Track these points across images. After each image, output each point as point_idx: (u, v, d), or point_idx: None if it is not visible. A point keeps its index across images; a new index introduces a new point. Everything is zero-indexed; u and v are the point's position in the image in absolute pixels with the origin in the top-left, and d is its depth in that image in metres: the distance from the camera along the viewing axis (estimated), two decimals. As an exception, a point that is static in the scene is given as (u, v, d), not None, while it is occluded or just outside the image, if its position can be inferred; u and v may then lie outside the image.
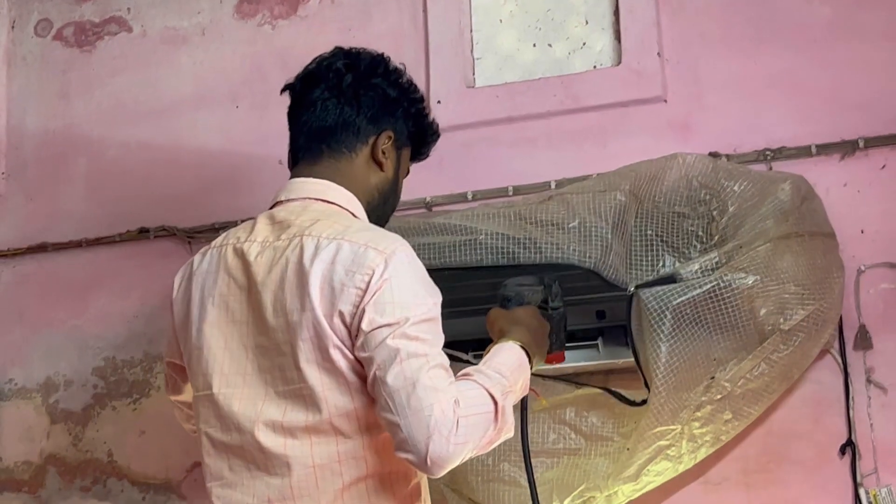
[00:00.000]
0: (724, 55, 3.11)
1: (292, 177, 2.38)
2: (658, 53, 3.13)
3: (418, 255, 2.25)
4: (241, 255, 2.28)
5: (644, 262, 2.73)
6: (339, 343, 2.15)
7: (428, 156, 2.56)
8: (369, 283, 2.13)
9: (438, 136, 2.54)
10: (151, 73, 3.49)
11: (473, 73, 3.28)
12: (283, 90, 2.45)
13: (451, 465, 2.07)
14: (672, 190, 2.79)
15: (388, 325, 2.12)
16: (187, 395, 2.45)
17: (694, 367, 2.63)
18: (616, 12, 3.21)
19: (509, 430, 2.19)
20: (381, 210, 2.41)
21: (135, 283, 3.33)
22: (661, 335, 2.61)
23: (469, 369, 2.21)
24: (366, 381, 2.14)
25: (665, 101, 3.12)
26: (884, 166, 2.96)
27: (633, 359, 2.66)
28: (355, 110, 2.37)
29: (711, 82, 3.11)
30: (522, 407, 2.42)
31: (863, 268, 2.92)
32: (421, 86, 3.17)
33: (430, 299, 2.18)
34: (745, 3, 3.13)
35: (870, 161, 2.97)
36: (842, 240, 2.89)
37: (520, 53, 3.27)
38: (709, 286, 2.62)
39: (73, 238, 3.41)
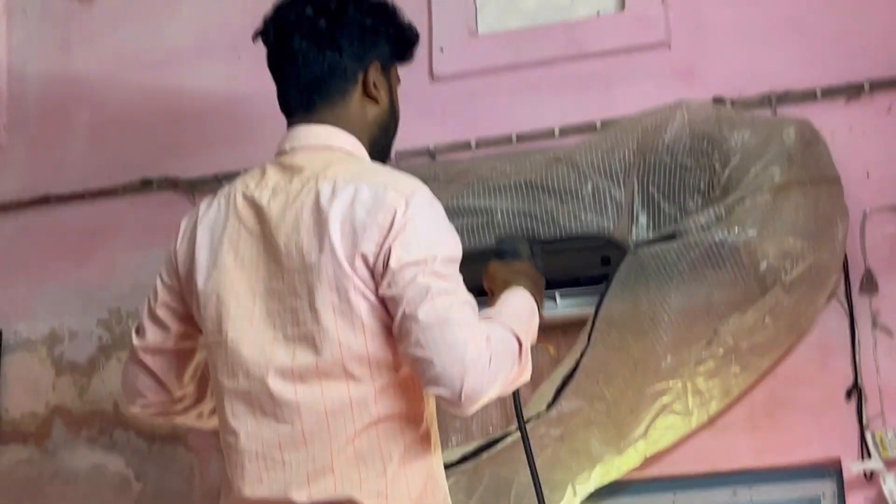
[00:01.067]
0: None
1: (291, 126, 2.35)
2: (661, -2, 3.12)
3: None
4: (251, 201, 2.27)
5: (645, 220, 2.74)
6: (361, 284, 2.14)
7: (412, 59, 2.50)
8: (393, 221, 2.13)
9: (418, 36, 2.49)
10: (153, 23, 3.47)
11: (476, 20, 3.26)
12: (254, 38, 2.41)
13: (483, 401, 2.09)
14: (675, 140, 2.79)
15: (416, 262, 2.12)
16: (152, 341, 2.41)
17: (693, 323, 2.65)
18: (619, -43, 3.20)
19: (528, 372, 2.21)
20: (385, 140, 2.40)
21: (138, 235, 3.32)
22: (658, 293, 2.62)
23: (488, 311, 2.23)
24: (383, 323, 2.14)
25: (669, 46, 3.12)
26: (890, 109, 2.95)
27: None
28: (338, 53, 2.33)
29: (715, 27, 3.10)
30: (515, 402, 2.44)
31: (868, 211, 2.91)
32: (423, 33, 3.15)
33: (451, 239, 2.19)
34: (749, -54, 3.12)
35: (875, 104, 2.96)
36: (847, 183, 2.88)
37: (522, 0, 3.26)
38: (708, 243, 2.63)
39: (75, 189, 3.40)
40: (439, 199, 2.23)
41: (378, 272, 2.13)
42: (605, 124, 3.02)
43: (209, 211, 2.33)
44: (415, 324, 2.09)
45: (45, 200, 3.43)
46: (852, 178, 2.90)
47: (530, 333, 2.25)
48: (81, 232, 3.39)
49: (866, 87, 2.95)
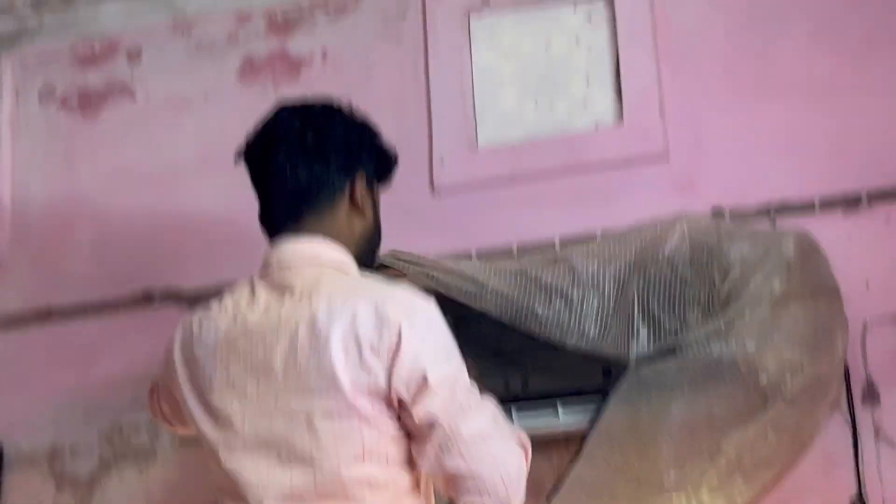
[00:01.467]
0: (726, 111, 3.13)
1: (277, 240, 2.37)
2: (659, 111, 3.15)
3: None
4: (242, 321, 2.27)
5: (646, 335, 2.74)
6: (366, 405, 2.15)
7: (390, 183, 2.55)
8: (400, 340, 2.14)
9: (397, 157, 2.54)
10: (155, 138, 3.50)
11: (476, 134, 3.29)
12: (237, 158, 2.45)
13: None
14: (675, 253, 2.80)
15: (445, 378, 2.16)
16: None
17: (695, 437, 2.65)
18: (617, 72, 3.23)
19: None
20: (370, 254, 2.44)
21: (139, 348, 3.32)
22: (659, 408, 2.63)
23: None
24: (384, 445, 2.17)
25: (667, 158, 3.14)
26: (888, 219, 2.97)
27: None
28: (325, 165, 2.36)
29: (713, 138, 3.12)
30: None
31: (869, 322, 2.91)
32: (424, 146, 3.25)
33: (456, 347, 2.24)
34: (745, 60, 3.15)
35: (874, 214, 2.98)
36: (847, 294, 2.88)
37: (522, 114, 3.29)
38: (708, 357, 2.64)
39: (77, 303, 3.41)
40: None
41: (391, 395, 2.14)
42: (605, 235, 3.03)
43: (202, 330, 2.34)
44: (459, 439, 2.13)
45: (47, 314, 3.43)
46: (852, 288, 2.90)
47: None
48: (83, 345, 3.39)
49: (864, 198, 2.97)
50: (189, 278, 3.34)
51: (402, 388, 2.14)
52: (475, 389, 2.22)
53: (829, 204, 3.00)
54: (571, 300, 2.78)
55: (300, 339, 2.19)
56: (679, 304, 2.75)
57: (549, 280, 2.80)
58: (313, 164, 2.35)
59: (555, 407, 2.86)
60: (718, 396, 2.64)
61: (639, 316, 2.75)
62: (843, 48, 3.10)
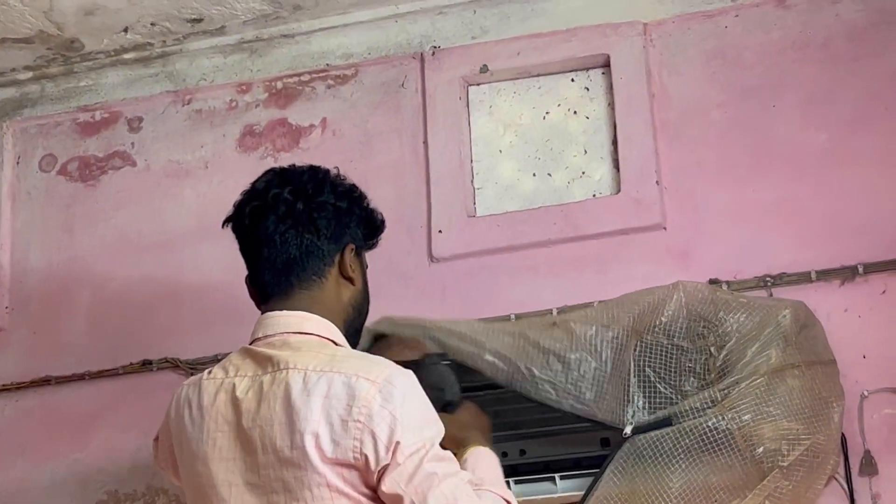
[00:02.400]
0: (722, 183, 3.15)
1: (265, 312, 2.38)
2: (656, 182, 3.17)
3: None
4: (228, 392, 2.29)
5: (641, 402, 2.74)
6: (337, 480, 2.15)
7: (377, 243, 2.56)
8: (371, 414, 2.14)
9: (384, 222, 2.55)
10: (155, 206, 3.51)
11: (474, 203, 3.31)
12: (224, 224, 2.45)
13: None
14: (672, 321, 2.81)
15: (416, 451, 2.14)
16: None
17: (692, 509, 2.65)
18: (614, 142, 3.25)
19: None
20: (358, 322, 2.44)
21: (137, 416, 3.32)
22: (656, 478, 2.62)
23: (474, 479, 2.26)
24: None
25: (664, 228, 3.15)
26: (884, 291, 2.98)
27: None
28: (315, 235, 2.37)
29: (710, 209, 3.14)
30: None
31: (866, 393, 2.92)
32: (422, 216, 3.26)
33: (435, 416, 2.23)
34: (741, 131, 3.18)
35: (870, 286, 2.99)
36: (844, 365, 2.89)
37: (520, 183, 3.30)
38: (703, 428, 2.64)
39: (75, 371, 3.41)
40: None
41: (363, 466, 2.15)
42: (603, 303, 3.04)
43: (192, 396, 2.35)
44: None
45: (45, 381, 3.43)
46: (849, 359, 2.91)
47: (503, 484, 2.35)
48: (81, 413, 3.39)
49: (860, 269, 2.98)
50: (186, 349, 3.35)
51: (371, 462, 2.14)
52: (449, 458, 2.21)
53: (825, 275, 3.01)
54: (569, 363, 2.80)
55: (276, 412, 2.20)
56: (675, 373, 2.76)
57: (546, 343, 2.81)
58: (303, 234, 2.37)
59: (553, 480, 2.86)
60: (715, 467, 2.64)
61: (635, 381, 2.76)
62: (836, 120, 3.13)
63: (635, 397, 2.75)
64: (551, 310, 3.09)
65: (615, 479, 2.71)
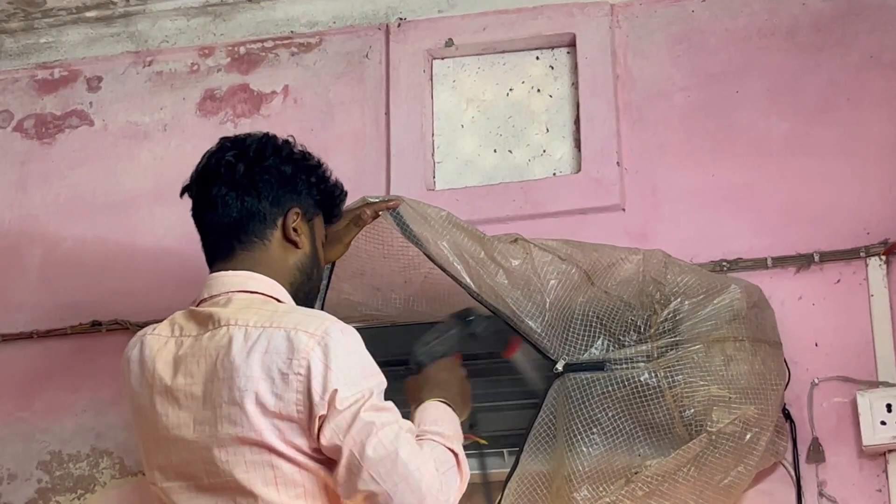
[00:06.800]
0: (683, 166, 3.16)
1: (210, 273, 2.40)
2: (617, 163, 3.17)
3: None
4: (171, 350, 2.30)
5: (578, 341, 2.75)
6: (276, 436, 2.16)
7: (341, 216, 2.58)
8: (310, 367, 2.15)
9: (345, 193, 2.56)
10: (111, 167, 3.48)
11: (434, 177, 3.30)
12: (181, 193, 2.47)
13: None
14: (625, 281, 2.81)
15: (355, 402, 2.15)
16: None
17: (613, 459, 2.65)
18: (577, 121, 3.25)
19: (468, 477, 2.30)
20: (307, 286, 2.44)
21: (85, 377, 3.29)
22: (581, 423, 2.63)
23: (417, 430, 2.27)
24: (298, 474, 2.17)
25: (623, 209, 3.16)
26: (838, 281, 2.99)
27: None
28: (256, 198, 2.38)
29: (669, 192, 3.15)
30: None
31: (816, 381, 2.93)
32: (381, 187, 3.25)
33: (375, 368, 2.23)
34: (703, 116, 3.18)
35: (825, 275, 3.00)
36: (796, 353, 2.91)
37: (480, 159, 3.30)
38: (635, 382, 2.66)
39: (23, 329, 3.37)
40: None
41: (306, 420, 2.16)
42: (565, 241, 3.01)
43: (136, 352, 2.37)
44: (365, 460, 2.13)
45: (-9, 339, 3.40)
46: (801, 347, 2.93)
47: (457, 436, 2.33)
48: (27, 372, 3.35)
49: (816, 257, 3.00)
50: (138, 311, 3.31)
51: (311, 414, 2.16)
52: (389, 408, 2.21)
53: (781, 262, 3.02)
54: (515, 278, 2.79)
55: (217, 368, 2.21)
56: (617, 323, 2.76)
57: (501, 259, 2.80)
58: (244, 196, 2.38)
59: (501, 454, 2.86)
60: (641, 421, 2.67)
61: (577, 322, 2.77)
62: (798, 109, 3.14)
63: (574, 336, 2.75)
64: (507, 286, 3.09)
65: (546, 415, 2.71)
